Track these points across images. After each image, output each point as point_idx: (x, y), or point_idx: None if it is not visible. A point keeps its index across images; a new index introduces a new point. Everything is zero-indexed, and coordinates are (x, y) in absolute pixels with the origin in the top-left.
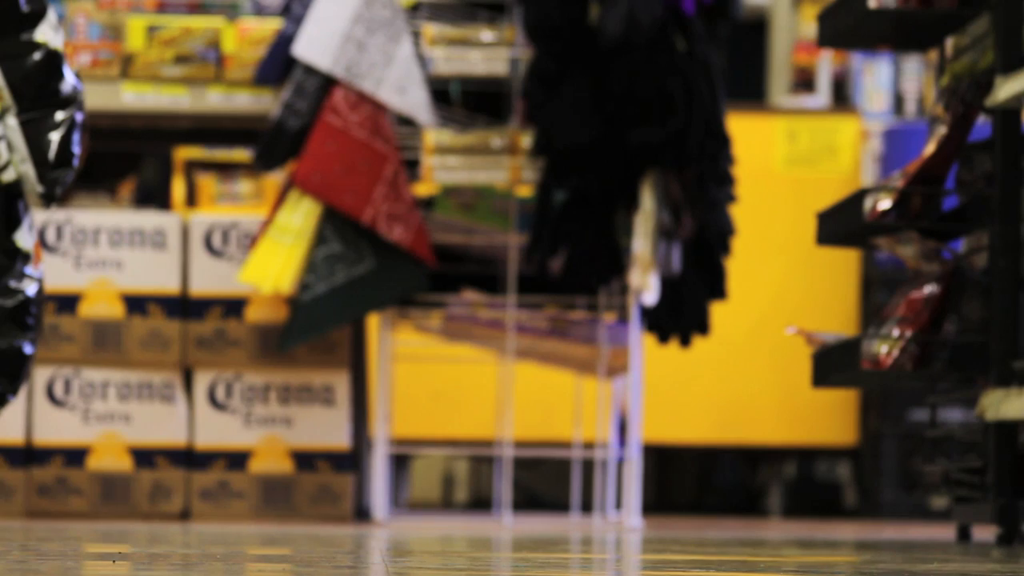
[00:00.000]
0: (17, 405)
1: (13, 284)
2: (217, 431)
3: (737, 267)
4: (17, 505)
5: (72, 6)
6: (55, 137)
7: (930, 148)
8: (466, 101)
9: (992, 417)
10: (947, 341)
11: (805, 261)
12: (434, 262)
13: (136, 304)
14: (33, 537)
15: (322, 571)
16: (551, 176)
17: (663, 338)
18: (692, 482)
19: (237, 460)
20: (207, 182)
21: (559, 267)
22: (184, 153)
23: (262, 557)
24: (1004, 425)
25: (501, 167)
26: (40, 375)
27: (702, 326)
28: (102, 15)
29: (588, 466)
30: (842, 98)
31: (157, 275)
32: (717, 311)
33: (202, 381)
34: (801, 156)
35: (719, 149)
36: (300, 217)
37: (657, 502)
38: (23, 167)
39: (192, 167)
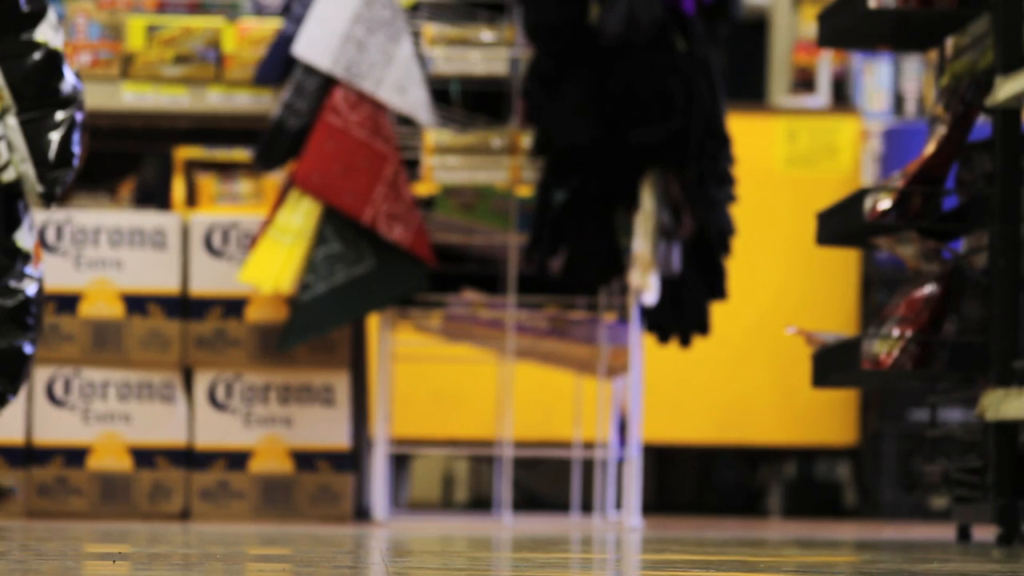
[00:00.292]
0: (17, 405)
1: (13, 284)
2: (217, 431)
3: (737, 267)
4: (17, 505)
5: (72, 6)
6: (55, 137)
7: (930, 148)
8: (466, 101)
9: (992, 417)
10: (947, 341)
11: (805, 261)
12: (434, 262)
13: (136, 304)
14: (33, 537)
15: (322, 571)
16: (551, 176)
17: (663, 338)
18: (692, 482)
19: (237, 460)
20: (207, 182)
21: (559, 267)
22: (184, 153)
23: (262, 557)
24: (1004, 425)
25: (501, 167)
26: (40, 375)
27: (702, 326)
28: (102, 15)
29: (588, 466)
30: (842, 98)
31: (157, 275)
32: (717, 311)
33: (202, 381)
34: (801, 156)
35: (719, 149)
36: (300, 217)
37: (657, 502)
38: (23, 167)
39: (192, 167)
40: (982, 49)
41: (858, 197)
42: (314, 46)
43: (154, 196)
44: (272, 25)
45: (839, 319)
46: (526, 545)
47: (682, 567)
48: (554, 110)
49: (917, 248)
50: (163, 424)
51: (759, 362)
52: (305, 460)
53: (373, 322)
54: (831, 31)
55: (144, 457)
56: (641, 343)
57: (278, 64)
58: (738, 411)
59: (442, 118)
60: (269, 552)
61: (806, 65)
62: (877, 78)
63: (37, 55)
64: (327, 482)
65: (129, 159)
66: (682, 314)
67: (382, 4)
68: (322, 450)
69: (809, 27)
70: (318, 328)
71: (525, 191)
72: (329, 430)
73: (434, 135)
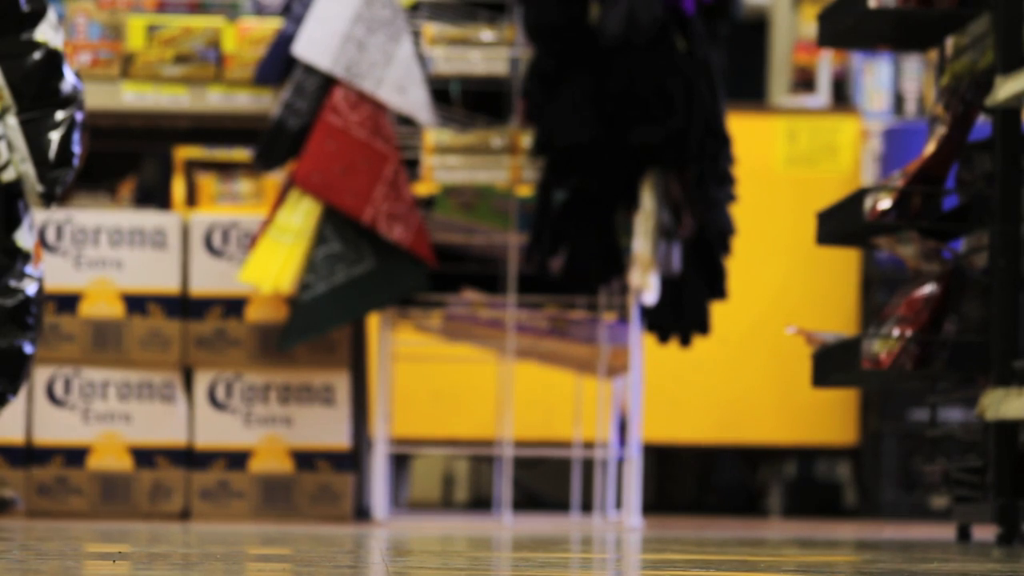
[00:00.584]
0: (17, 405)
1: (13, 284)
2: (217, 431)
3: (737, 267)
4: (18, 513)
5: (72, 6)
6: (55, 136)
7: (930, 148)
8: (466, 101)
9: (992, 417)
10: (947, 341)
11: (805, 261)
12: (434, 262)
13: (136, 304)
14: (33, 537)
15: (322, 571)
16: (551, 176)
17: (663, 338)
18: (692, 482)
19: (237, 460)
20: (207, 182)
21: (559, 267)
22: (184, 153)
23: (262, 557)
24: (1004, 425)
25: (501, 167)
26: (40, 375)
27: (702, 326)
28: (102, 15)
29: (588, 466)
30: (842, 98)
31: (157, 275)
32: (717, 311)
33: (202, 381)
34: (801, 156)
35: (719, 149)
36: (300, 217)
37: (657, 502)
38: (23, 166)
39: (192, 167)
40: (982, 49)
41: (858, 197)
42: (314, 46)
43: (154, 196)
44: (272, 25)
45: (839, 319)
46: (526, 545)
47: (682, 567)
48: (554, 110)
49: (917, 248)
50: (163, 424)
51: (759, 362)
52: (305, 460)
53: (373, 322)
54: (831, 31)
55: (144, 457)
56: (641, 343)
57: (278, 64)
58: (738, 411)
59: (442, 118)
60: (269, 552)
61: (806, 65)
62: (877, 78)
63: (37, 55)
64: (327, 482)
65: (129, 159)
66: (682, 314)
67: (382, 4)
68: (322, 450)
69: (809, 27)
70: (318, 328)
71: (525, 191)
72: (329, 430)
73: (434, 135)
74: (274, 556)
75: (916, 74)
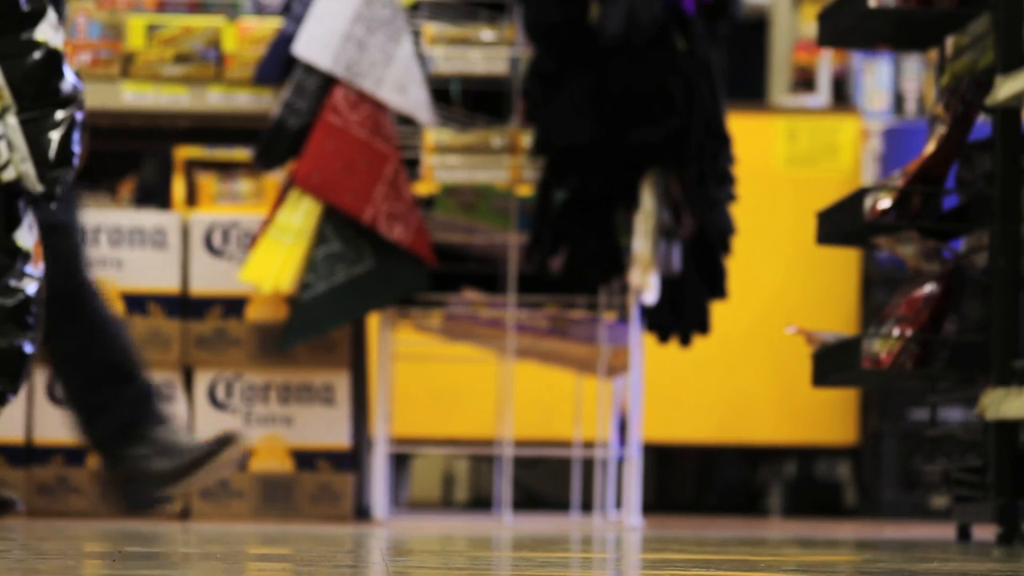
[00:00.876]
0: (17, 404)
1: (13, 283)
2: (217, 430)
3: (737, 266)
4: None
5: (72, 5)
6: (55, 136)
7: (930, 147)
8: (466, 100)
9: (992, 416)
10: (947, 340)
11: (805, 260)
12: (434, 261)
13: (136, 303)
14: (33, 536)
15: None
16: (551, 175)
17: (663, 337)
18: (692, 481)
19: None
20: (207, 181)
21: (559, 266)
22: (184, 152)
23: (262, 557)
24: (1004, 424)
25: (501, 166)
26: (40, 374)
27: (702, 325)
28: (102, 14)
29: (588, 465)
30: (842, 97)
31: (157, 274)
32: (717, 310)
33: (202, 380)
34: (801, 155)
35: (719, 148)
36: (300, 216)
37: (657, 501)
38: (23, 166)
39: (192, 166)
40: (982, 48)
41: (858, 196)
42: (314, 45)
43: (154, 195)
44: (272, 24)
45: (839, 318)
46: (526, 544)
47: (682, 566)
48: (554, 109)
49: (917, 247)
50: None
51: (759, 361)
52: (305, 459)
53: (373, 322)
54: (831, 30)
55: None
56: (641, 342)
57: (278, 63)
58: (738, 410)
59: (442, 117)
60: (269, 551)
61: (806, 64)
62: (877, 77)
63: (37, 54)
64: (327, 481)
65: (129, 159)
66: (682, 313)
67: (382, 3)
68: (322, 449)
69: (809, 26)
70: (318, 327)
71: (525, 190)
72: (329, 429)
73: (434, 134)
74: (274, 556)
75: (916, 74)
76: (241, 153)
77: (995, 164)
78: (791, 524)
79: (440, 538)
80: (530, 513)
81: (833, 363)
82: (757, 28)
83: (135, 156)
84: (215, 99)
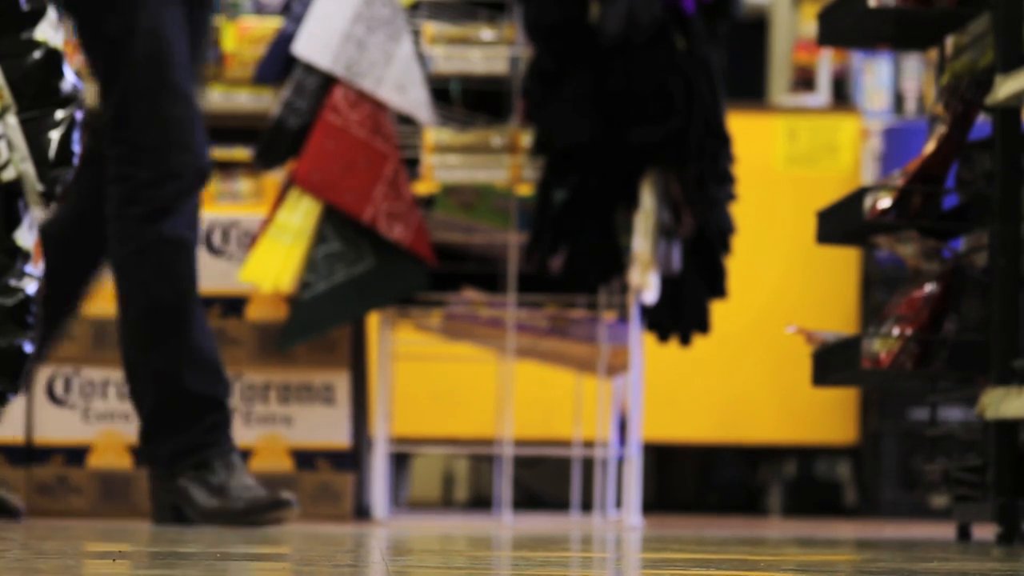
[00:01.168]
0: (17, 404)
1: (13, 283)
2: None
3: (737, 266)
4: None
5: None
6: (55, 136)
7: (930, 147)
8: (466, 100)
9: (992, 416)
10: (947, 340)
11: (805, 260)
12: (434, 261)
13: None
14: (33, 536)
15: (322, 570)
16: (551, 175)
17: (663, 337)
18: (692, 481)
19: None
20: None
21: (559, 266)
22: None
23: (262, 556)
24: (1004, 424)
25: (501, 166)
26: (40, 374)
27: (702, 325)
28: None
29: (588, 465)
30: (842, 97)
31: None
32: (717, 310)
33: None
34: (801, 155)
35: (719, 148)
36: (300, 216)
37: (657, 501)
38: (23, 166)
39: None
40: (982, 48)
41: (858, 196)
42: (314, 45)
43: None
44: (272, 24)
45: (839, 318)
46: (526, 544)
47: (682, 566)
48: (554, 109)
49: (917, 247)
50: None
51: (759, 361)
52: (305, 459)
53: (373, 321)
54: (831, 30)
55: None
56: (641, 342)
57: (278, 63)
58: (738, 410)
59: (442, 117)
60: (269, 551)
61: (806, 64)
62: (877, 77)
63: (37, 54)
64: (327, 481)
65: None
66: (682, 313)
67: (382, 3)
68: (322, 449)
69: (809, 26)
70: (318, 327)
71: (525, 190)
72: (329, 429)
73: (434, 134)
74: (274, 555)
75: (916, 73)
76: (241, 152)
77: (995, 164)
78: (791, 524)
79: (440, 538)
80: (530, 513)
81: (833, 363)
82: (757, 28)
83: None
84: (215, 98)
